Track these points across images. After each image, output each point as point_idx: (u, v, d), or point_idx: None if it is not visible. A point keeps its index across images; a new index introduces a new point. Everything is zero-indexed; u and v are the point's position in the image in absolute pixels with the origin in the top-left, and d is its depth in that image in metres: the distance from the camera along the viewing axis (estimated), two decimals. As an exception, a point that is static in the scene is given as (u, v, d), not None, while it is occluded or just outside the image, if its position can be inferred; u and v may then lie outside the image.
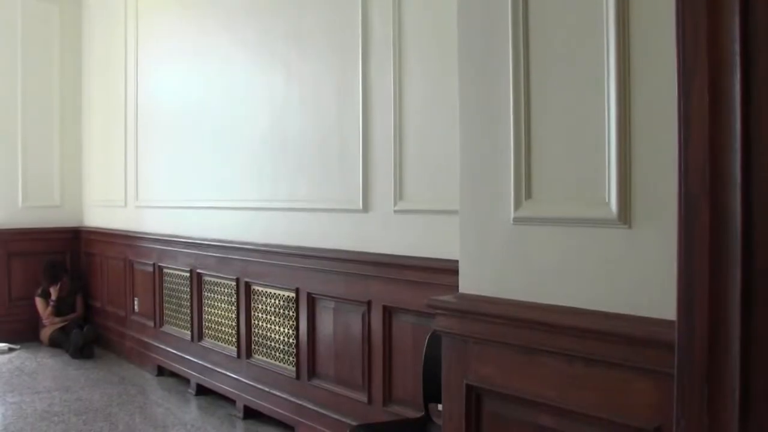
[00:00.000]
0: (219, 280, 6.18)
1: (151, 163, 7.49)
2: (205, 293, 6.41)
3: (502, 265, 2.30)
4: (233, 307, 5.97)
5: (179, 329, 6.82)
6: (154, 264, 7.27)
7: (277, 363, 5.45)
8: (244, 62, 5.90)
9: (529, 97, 2.20)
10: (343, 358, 4.80)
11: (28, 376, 7.01)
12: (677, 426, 1.48)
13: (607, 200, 1.99)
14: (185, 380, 6.65)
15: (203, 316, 6.44)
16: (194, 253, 6.53)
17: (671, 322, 1.54)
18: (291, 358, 5.28)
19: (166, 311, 7.10)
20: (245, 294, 5.81)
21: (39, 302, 8.37)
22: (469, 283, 2.41)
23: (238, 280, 5.89)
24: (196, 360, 6.47)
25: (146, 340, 7.40)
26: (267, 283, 5.56)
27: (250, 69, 5.83)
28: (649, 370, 1.83)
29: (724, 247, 1.39)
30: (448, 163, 3.85)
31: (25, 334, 8.40)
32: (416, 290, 4.09)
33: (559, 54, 2.13)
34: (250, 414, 5.69)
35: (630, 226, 1.95)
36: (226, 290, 6.08)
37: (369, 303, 4.55)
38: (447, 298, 2.47)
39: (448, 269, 3.35)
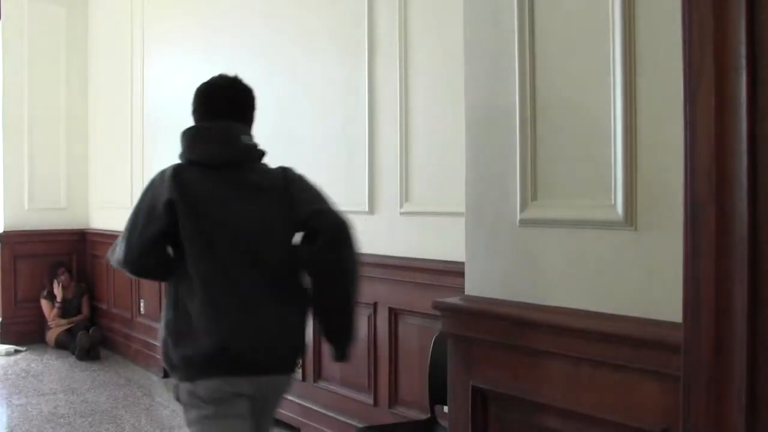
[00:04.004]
0: (225, 282, 6.18)
1: (158, 165, 7.45)
2: (211, 295, 6.40)
3: (508, 266, 2.30)
4: (239, 309, 5.96)
5: (185, 331, 6.82)
6: (160, 266, 7.27)
7: (282, 365, 5.45)
8: (250, 65, 5.90)
9: (535, 99, 2.20)
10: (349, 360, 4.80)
11: (34, 378, 7.02)
12: (684, 428, 1.48)
13: (612, 202, 1.99)
14: (191, 382, 6.65)
15: (209, 318, 6.44)
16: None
17: (678, 324, 1.54)
18: (297, 360, 5.28)
19: (172, 313, 7.09)
20: (251, 296, 5.81)
21: (45, 304, 8.39)
22: (475, 285, 2.41)
23: (243, 282, 5.88)
24: (202, 362, 6.47)
25: (152, 342, 7.40)
26: (273, 285, 5.56)
27: (256, 71, 5.83)
28: (656, 373, 1.83)
29: (731, 249, 1.39)
30: (454, 165, 3.85)
31: (31, 335, 8.41)
32: (422, 292, 4.09)
33: (565, 56, 2.14)
34: (256, 416, 5.69)
35: (636, 228, 1.95)
36: (231, 292, 6.08)
37: (375, 305, 4.55)
38: (453, 299, 2.47)
39: (454, 271, 3.36)
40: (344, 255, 2.85)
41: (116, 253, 2.80)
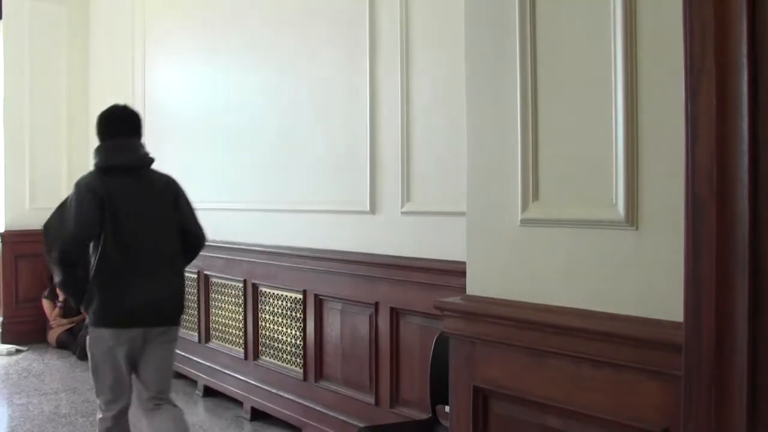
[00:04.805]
0: (226, 282, 6.19)
1: (158, 165, 7.48)
2: (213, 295, 6.42)
3: (509, 266, 2.30)
4: (240, 309, 5.97)
5: (186, 331, 6.82)
6: (161, 266, 7.27)
7: (284, 365, 5.46)
8: (253, 64, 5.91)
9: (537, 99, 2.20)
10: (351, 360, 4.81)
11: (36, 378, 7.02)
12: (685, 427, 1.48)
13: (614, 202, 1.99)
14: (192, 382, 6.66)
15: (210, 317, 6.45)
16: (201, 255, 6.49)
17: (679, 323, 1.54)
18: (298, 360, 5.29)
19: (173, 313, 7.10)
20: (252, 296, 5.82)
21: (46, 304, 8.39)
22: (476, 285, 2.41)
23: (245, 282, 5.90)
24: (203, 362, 6.48)
25: (153, 341, 7.40)
26: (274, 285, 5.57)
27: (258, 71, 5.84)
28: (657, 372, 1.83)
29: (732, 249, 1.39)
30: (455, 165, 3.85)
31: (32, 335, 8.42)
32: (423, 292, 4.09)
33: (566, 55, 2.13)
34: (258, 416, 5.69)
35: (637, 228, 1.95)
36: (233, 292, 6.09)
37: (376, 304, 4.55)
38: (454, 299, 2.47)
39: (456, 271, 3.35)
40: (194, 255, 4.27)
41: (64, 229, 3.76)
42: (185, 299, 4.16)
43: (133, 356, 3.91)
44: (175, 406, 4.10)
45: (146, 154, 4.08)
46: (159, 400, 4.04)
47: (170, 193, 4.09)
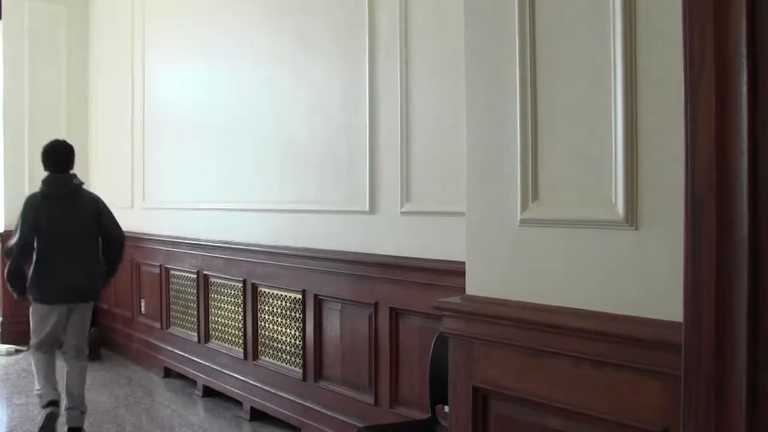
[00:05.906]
0: (226, 282, 6.19)
1: (158, 165, 7.50)
2: (212, 295, 6.41)
3: (508, 266, 2.30)
4: (240, 309, 5.97)
5: (186, 331, 6.83)
6: (160, 266, 7.29)
7: (283, 365, 5.45)
8: (251, 64, 5.91)
9: (536, 99, 2.20)
10: (350, 360, 4.80)
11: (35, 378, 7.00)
12: (684, 428, 1.48)
13: (613, 202, 1.99)
14: (192, 382, 6.66)
15: (210, 317, 6.45)
16: (201, 255, 6.54)
17: (679, 323, 1.54)
18: (298, 360, 5.29)
19: (172, 313, 7.11)
20: (252, 295, 5.82)
21: (46, 304, 8.39)
22: (475, 285, 2.41)
23: (244, 282, 5.90)
24: (202, 362, 6.48)
25: (153, 341, 7.41)
26: (274, 285, 5.57)
27: (257, 71, 5.84)
28: (657, 372, 1.83)
29: (731, 249, 1.39)
30: (454, 165, 3.85)
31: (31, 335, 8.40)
32: (423, 292, 4.09)
33: (566, 56, 2.13)
34: (257, 415, 5.69)
35: (637, 228, 1.95)
36: (232, 292, 6.09)
37: (376, 305, 4.55)
38: (454, 299, 2.47)
39: (455, 271, 3.35)
40: (119, 252, 5.65)
41: (13, 240, 5.36)
42: (99, 285, 5.54)
43: (62, 322, 5.40)
44: (83, 358, 5.60)
45: (74, 184, 5.52)
46: (76, 351, 5.53)
47: (92, 210, 5.50)
